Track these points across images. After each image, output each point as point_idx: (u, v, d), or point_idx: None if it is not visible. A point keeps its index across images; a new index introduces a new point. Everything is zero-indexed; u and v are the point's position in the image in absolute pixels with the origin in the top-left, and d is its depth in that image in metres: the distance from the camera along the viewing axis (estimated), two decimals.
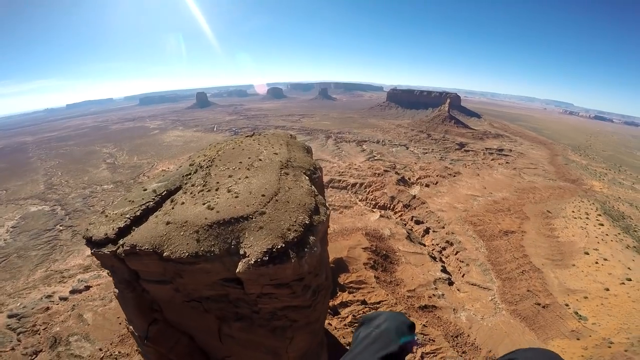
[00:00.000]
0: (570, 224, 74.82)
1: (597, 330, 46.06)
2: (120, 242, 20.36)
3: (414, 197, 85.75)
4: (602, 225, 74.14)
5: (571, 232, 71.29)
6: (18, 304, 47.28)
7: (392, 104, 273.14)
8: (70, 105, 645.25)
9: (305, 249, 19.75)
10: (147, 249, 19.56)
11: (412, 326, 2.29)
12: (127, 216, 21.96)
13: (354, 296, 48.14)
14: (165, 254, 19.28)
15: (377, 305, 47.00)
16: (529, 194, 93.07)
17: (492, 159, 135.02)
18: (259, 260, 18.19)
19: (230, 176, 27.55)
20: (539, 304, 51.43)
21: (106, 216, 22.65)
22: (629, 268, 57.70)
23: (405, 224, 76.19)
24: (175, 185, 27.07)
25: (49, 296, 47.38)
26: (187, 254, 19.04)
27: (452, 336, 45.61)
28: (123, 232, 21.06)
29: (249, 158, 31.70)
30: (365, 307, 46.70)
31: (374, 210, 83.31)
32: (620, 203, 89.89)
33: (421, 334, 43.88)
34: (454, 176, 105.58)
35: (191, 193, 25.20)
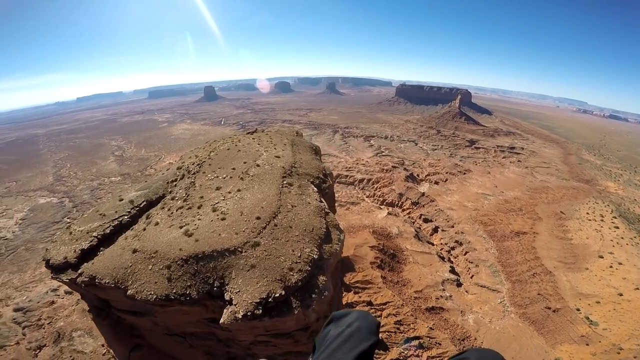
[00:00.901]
0: (584, 226, 72.31)
1: (607, 336, 44.56)
2: (82, 268, 16.93)
3: (423, 194, 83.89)
4: (618, 228, 71.49)
5: (585, 234, 68.86)
6: (24, 298, 47.37)
7: (401, 99, 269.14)
8: (80, 99, 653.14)
9: (313, 295, 15.16)
10: (108, 282, 15.96)
11: (379, 325, 2.34)
12: (95, 234, 18.37)
13: (360, 297, 47.04)
14: (129, 292, 15.46)
15: (384, 307, 45.81)
16: (542, 194, 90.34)
17: (504, 157, 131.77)
18: (249, 313, 13.94)
19: (218, 188, 22.47)
20: (549, 308, 49.83)
21: (70, 233, 19.31)
22: None
23: (414, 222, 74.56)
24: (157, 195, 23.04)
25: (55, 290, 47.34)
26: (154, 297, 14.98)
27: (458, 339, 44.33)
28: (87, 254, 17.64)
29: (245, 163, 26.86)
30: (372, 309, 45.59)
31: (382, 207, 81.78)
32: (637, 205, 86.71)
33: (427, 337, 42.76)
34: (464, 174, 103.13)
35: (169, 210, 20.48)
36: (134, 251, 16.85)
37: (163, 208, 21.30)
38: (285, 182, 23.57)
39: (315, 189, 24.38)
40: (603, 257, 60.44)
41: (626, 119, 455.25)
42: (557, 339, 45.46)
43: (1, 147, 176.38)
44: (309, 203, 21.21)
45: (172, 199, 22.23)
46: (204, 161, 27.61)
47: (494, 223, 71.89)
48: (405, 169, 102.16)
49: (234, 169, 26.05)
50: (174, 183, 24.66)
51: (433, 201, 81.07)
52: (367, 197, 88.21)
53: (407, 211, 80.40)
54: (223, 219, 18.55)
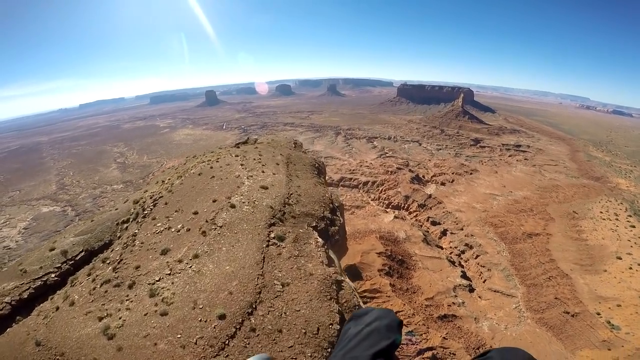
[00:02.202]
0: (599, 225, 70.12)
1: (630, 340, 42.68)
2: None
3: (430, 196, 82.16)
4: (634, 227, 69.12)
5: (601, 234, 66.69)
6: None
7: (403, 99, 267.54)
8: (83, 105, 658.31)
9: None
10: None
11: (400, 324, 2.32)
12: (8, 299, 14.11)
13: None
14: None
15: None
16: (552, 193, 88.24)
17: (510, 155, 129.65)
18: None
19: (165, 252, 15.47)
20: (567, 312, 47.90)
21: None
22: None
23: (421, 226, 72.83)
24: (102, 241, 17.83)
25: None
26: None
27: (473, 348, 42.55)
28: None
29: (215, 201, 19.25)
30: None
31: (388, 210, 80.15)
32: None
33: (441, 347, 41.06)
34: (471, 174, 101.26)
35: (94, 281, 14.65)
36: (38, 343, 11.91)
37: (89, 275, 15.12)
38: (272, 236, 16.30)
39: (320, 239, 16.92)
40: (621, 258, 58.29)
41: (630, 114, 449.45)
42: (576, 344, 43.66)
43: (5, 156, 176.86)
44: (311, 275, 14.00)
45: (104, 260, 15.94)
46: (162, 195, 20.43)
47: (504, 224, 69.98)
48: (410, 170, 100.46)
49: (196, 213, 18.27)
50: (125, 225, 18.41)
51: (440, 203, 79.32)
52: (372, 200, 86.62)
53: (414, 214, 78.69)
54: (163, 314, 12.06)
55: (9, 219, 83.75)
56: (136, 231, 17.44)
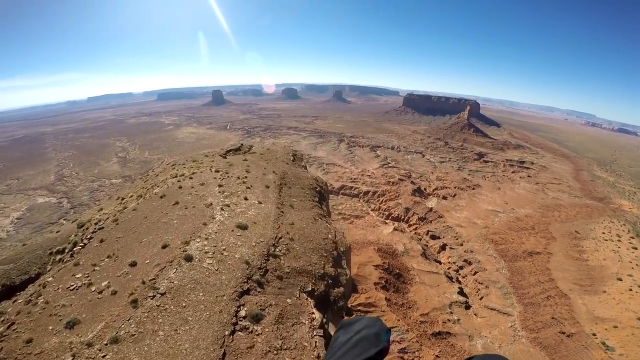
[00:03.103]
0: (600, 246, 68.60)
1: None
2: None
3: (431, 209, 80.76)
4: (636, 249, 67.78)
5: (602, 255, 65.22)
6: None
7: (409, 109, 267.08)
8: (91, 98, 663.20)
9: None
10: None
11: (388, 331, 2.36)
12: None
13: None
14: None
15: None
16: (554, 212, 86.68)
17: (513, 172, 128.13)
18: None
19: (71, 325, 10.67)
20: (563, 333, 46.78)
21: None
22: None
23: (420, 239, 71.35)
24: (28, 274, 14.11)
25: None
26: None
27: None
28: None
29: (164, 248, 14.01)
30: None
31: (387, 221, 78.80)
32: None
33: None
34: (473, 189, 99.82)
35: None
36: None
37: None
38: (242, 315, 11.27)
39: (317, 314, 12.12)
40: (622, 280, 56.93)
41: (635, 133, 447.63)
42: None
43: (8, 144, 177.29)
44: None
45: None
46: (102, 227, 15.55)
47: (505, 242, 68.47)
48: (412, 182, 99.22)
49: (133, 264, 13.29)
50: (59, 257, 14.57)
51: (441, 217, 77.90)
52: (372, 210, 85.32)
53: (414, 227, 77.25)
54: None
55: (4, 207, 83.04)
56: (49, 279, 12.52)
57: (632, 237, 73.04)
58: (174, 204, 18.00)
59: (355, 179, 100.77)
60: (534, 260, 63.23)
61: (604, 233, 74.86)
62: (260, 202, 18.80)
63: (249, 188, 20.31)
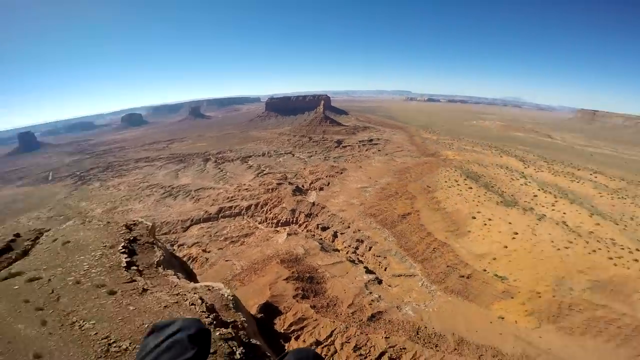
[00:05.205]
0: (448, 193, 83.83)
1: (520, 286, 49.53)
2: None
3: (313, 204, 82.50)
4: (471, 188, 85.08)
5: (452, 200, 79.05)
6: None
7: (272, 113, 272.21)
8: None
9: None
10: None
11: (207, 333, 2.22)
12: None
13: (304, 340, 39.56)
14: None
15: (332, 338, 40.03)
16: (406, 174, 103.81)
17: (367, 150, 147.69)
18: None
19: None
20: (462, 276, 53.31)
21: None
22: (509, 223, 66.36)
23: (314, 235, 71.61)
24: None
25: None
26: None
27: (415, 335, 42.44)
28: None
29: None
30: (323, 347, 38.94)
31: (279, 229, 75.77)
32: (471, 165, 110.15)
33: (390, 348, 39.05)
34: (341, 173, 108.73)
35: None
36: None
37: None
38: None
39: None
40: (475, 218, 69.44)
41: (439, 100, 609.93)
42: (485, 300, 48.78)
43: None
44: None
45: None
46: None
47: (381, 212, 76.50)
48: (290, 183, 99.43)
49: None
50: None
51: (324, 208, 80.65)
52: (259, 223, 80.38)
53: (304, 225, 77.13)
54: None
55: None
56: None
57: (465, 179, 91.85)
58: None
59: (232, 197, 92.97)
60: (409, 220, 71.83)
61: (446, 182, 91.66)
62: None
63: None
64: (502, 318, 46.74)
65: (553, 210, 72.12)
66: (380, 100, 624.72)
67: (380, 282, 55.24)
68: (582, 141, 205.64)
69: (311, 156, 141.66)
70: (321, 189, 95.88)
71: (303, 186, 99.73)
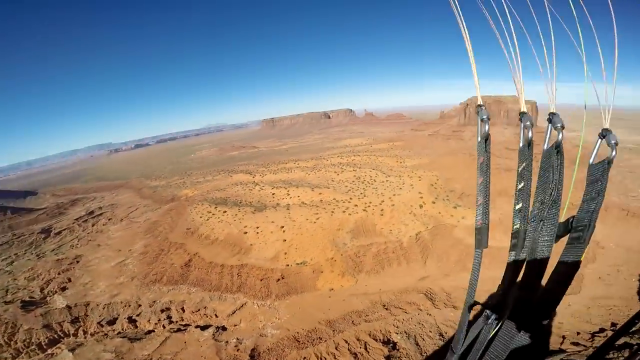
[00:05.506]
0: (211, 225, 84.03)
1: (318, 261, 60.03)
2: None
3: (69, 307, 63.05)
4: (226, 211, 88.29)
5: (219, 229, 79.77)
6: None
7: None
8: None
9: None
10: None
11: None
12: None
13: None
14: None
15: None
16: (158, 228, 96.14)
17: (93, 224, 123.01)
18: None
19: None
20: (278, 280, 58.95)
21: None
22: (272, 222, 77.78)
23: (106, 335, 56.60)
24: None
25: None
26: None
27: (296, 342, 45.01)
28: None
29: None
30: None
31: None
32: (213, 193, 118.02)
33: None
34: (78, 261, 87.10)
35: None
36: None
37: None
38: None
39: None
40: (247, 232, 73.40)
41: (147, 144, 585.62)
42: (310, 285, 57.06)
43: None
44: None
45: None
46: None
47: (162, 273, 71.29)
48: (10, 302, 67.06)
49: None
50: None
51: (88, 305, 64.29)
52: None
53: (81, 334, 58.23)
54: None
55: None
56: None
57: (216, 207, 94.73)
58: None
59: None
60: (195, 265, 70.69)
61: (201, 217, 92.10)
62: None
63: None
64: (332, 289, 52.39)
65: (290, 197, 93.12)
66: (75, 162, 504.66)
67: (224, 328, 53.65)
68: (278, 142, 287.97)
69: (13, 262, 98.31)
70: (63, 288, 73.57)
71: (32, 297, 71.00)
